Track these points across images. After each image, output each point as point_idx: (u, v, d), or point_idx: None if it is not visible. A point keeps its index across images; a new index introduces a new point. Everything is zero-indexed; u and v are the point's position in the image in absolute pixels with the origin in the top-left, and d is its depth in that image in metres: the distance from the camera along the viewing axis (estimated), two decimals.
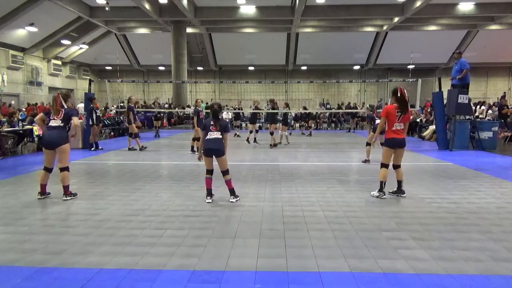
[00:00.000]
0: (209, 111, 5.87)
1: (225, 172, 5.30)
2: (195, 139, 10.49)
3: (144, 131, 18.78)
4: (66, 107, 5.60)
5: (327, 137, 16.65)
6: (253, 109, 14.23)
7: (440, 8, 20.47)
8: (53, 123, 5.49)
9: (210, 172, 5.30)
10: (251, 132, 14.05)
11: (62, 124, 5.47)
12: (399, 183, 5.60)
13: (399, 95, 5.40)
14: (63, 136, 5.44)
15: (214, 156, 5.25)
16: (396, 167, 5.57)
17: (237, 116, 19.09)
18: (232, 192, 5.35)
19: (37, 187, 5.57)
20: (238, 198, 5.36)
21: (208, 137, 5.26)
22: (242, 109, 19.73)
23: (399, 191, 5.59)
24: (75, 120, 5.59)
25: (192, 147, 10.67)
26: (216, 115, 5.31)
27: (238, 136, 16.21)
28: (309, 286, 2.88)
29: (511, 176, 7.09)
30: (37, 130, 10.93)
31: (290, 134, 15.59)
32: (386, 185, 5.55)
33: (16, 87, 22.33)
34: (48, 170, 5.46)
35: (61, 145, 5.39)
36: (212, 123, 5.27)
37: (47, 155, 5.44)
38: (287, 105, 14.02)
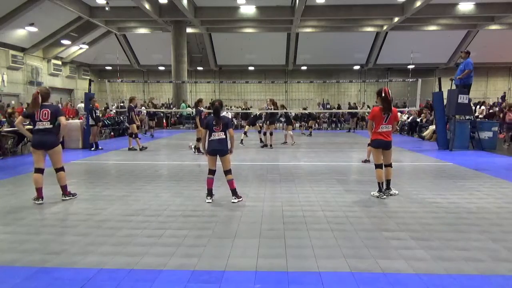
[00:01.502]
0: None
1: (227, 172, 5.26)
2: (199, 139, 10.49)
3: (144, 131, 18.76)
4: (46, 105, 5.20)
5: (327, 137, 16.64)
6: (268, 109, 13.08)
7: (440, 8, 20.46)
8: (40, 125, 5.12)
9: (212, 172, 5.28)
10: (265, 134, 12.80)
11: (50, 126, 5.15)
12: (388, 182, 5.63)
13: (383, 95, 5.42)
14: (54, 138, 5.21)
15: (218, 156, 5.23)
16: (386, 166, 5.61)
17: (241, 116, 18.93)
18: (234, 193, 5.30)
19: (34, 191, 5.26)
20: (240, 199, 5.29)
21: (211, 138, 5.21)
22: (248, 109, 19.38)
23: (387, 190, 5.59)
24: (63, 120, 5.24)
25: (194, 146, 10.67)
26: (217, 113, 5.21)
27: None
28: (309, 286, 2.88)
29: (511, 176, 7.09)
30: None
31: None
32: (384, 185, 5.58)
33: (16, 87, 22.31)
34: (41, 171, 5.17)
35: (54, 147, 5.20)
36: (214, 122, 5.19)
37: (37, 155, 5.16)
38: (278, 108, 13.81)
